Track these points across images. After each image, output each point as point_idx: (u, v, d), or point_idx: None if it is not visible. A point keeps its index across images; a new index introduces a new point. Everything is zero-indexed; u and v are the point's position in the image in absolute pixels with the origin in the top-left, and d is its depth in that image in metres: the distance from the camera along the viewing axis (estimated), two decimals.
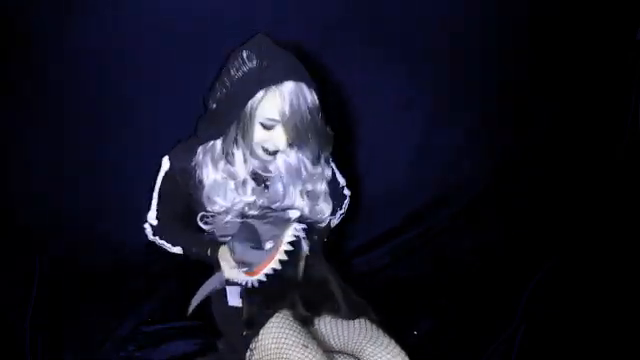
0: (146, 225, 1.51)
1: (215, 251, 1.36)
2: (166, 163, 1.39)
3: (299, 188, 1.35)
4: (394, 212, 2.33)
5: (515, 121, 2.41)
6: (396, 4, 2.10)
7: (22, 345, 1.71)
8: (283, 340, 1.23)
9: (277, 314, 1.30)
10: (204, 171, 1.31)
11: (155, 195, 1.46)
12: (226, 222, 1.34)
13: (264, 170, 1.34)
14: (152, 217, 1.49)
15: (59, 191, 2.14)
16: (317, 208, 1.39)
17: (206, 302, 1.50)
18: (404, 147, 2.31)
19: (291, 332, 1.25)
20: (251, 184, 1.32)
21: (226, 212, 1.32)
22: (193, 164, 1.33)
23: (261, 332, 1.28)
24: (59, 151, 2.11)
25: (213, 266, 1.43)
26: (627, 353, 1.74)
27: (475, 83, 2.29)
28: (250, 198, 1.32)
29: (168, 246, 1.48)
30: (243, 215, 1.33)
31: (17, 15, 1.92)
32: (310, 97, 1.17)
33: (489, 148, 2.41)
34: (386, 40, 2.14)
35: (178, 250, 1.47)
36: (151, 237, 1.51)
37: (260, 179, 1.36)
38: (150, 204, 1.49)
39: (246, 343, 1.29)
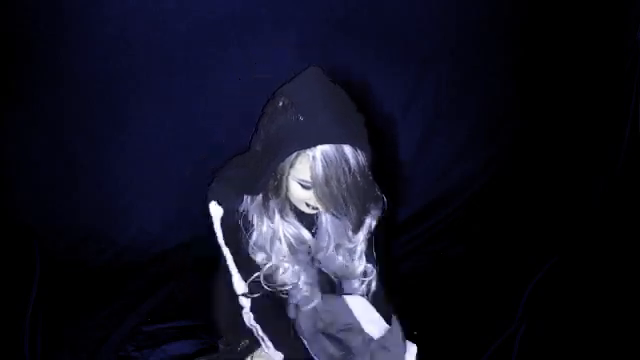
0: (242, 301, 1.26)
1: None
2: (217, 209, 1.16)
3: (336, 245, 1.23)
4: (394, 212, 2.33)
5: (515, 121, 2.41)
6: (396, 4, 2.10)
7: (22, 345, 1.71)
8: None
9: None
10: (254, 217, 1.16)
11: (225, 251, 1.22)
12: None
13: (297, 241, 1.19)
14: (239, 282, 1.25)
15: (59, 191, 2.15)
16: (352, 265, 1.26)
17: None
18: (404, 147, 2.31)
19: None
20: (285, 247, 1.18)
21: (268, 266, 1.20)
22: (242, 209, 1.16)
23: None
24: (59, 151, 2.11)
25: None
26: (627, 353, 1.74)
27: (475, 83, 2.29)
28: (284, 264, 1.19)
29: (267, 344, 1.27)
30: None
31: (17, 16, 1.92)
32: (353, 160, 0.98)
33: (489, 148, 2.41)
34: (386, 40, 2.14)
35: (277, 356, 1.27)
36: (252, 323, 1.27)
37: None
38: (227, 271, 1.25)
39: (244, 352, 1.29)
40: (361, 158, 0.99)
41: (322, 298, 1.26)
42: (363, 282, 1.29)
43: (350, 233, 1.19)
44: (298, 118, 0.96)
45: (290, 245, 1.18)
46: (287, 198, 1.09)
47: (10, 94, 2.02)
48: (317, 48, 2.02)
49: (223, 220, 1.17)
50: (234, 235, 1.18)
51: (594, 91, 2.40)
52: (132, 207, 2.19)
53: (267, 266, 1.18)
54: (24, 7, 1.90)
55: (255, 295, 1.23)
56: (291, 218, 1.15)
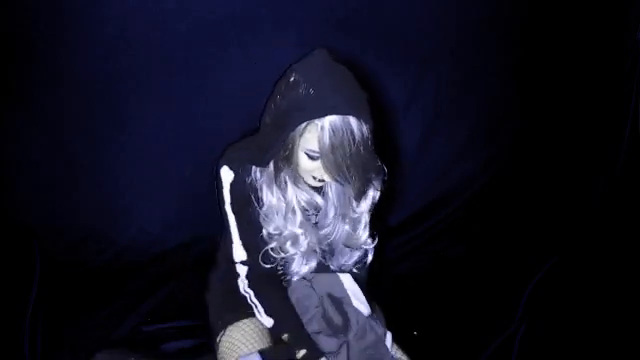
0: (238, 268, 1.27)
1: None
2: (229, 173, 1.20)
3: (342, 214, 1.27)
4: (394, 212, 2.33)
5: (515, 121, 2.41)
6: (396, 4, 2.10)
7: (22, 345, 1.71)
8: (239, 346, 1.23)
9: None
10: (262, 190, 1.21)
11: (230, 216, 1.24)
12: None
13: (311, 205, 1.25)
14: (238, 249, 1.26)
15: (59, 191, 2.15)
16: (356, 234, 1.30)
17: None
18: (404, 147, 2.31)
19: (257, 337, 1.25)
20: (300, 215, 1.22)
21: (278, 237, 1.23)
22: (250, 180, 1.21)
23: (230, 328, 1.29)
24: (59, 151, 2.11)
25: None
26: (627, 353, 1.74)
27: (475, 83, 2.29)
28: (297, 230, 1.22)
29: (259, 310, 1.26)
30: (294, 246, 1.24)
31: (17, 16, 1.92)
32: (358, 131, 1.05)
33: (489, 148, 2.41)
34: (386, 40, 2.14)
35: (267, 322, 1.26)
36: (246, 289, 1.28)
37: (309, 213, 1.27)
38: (227, 237, 1.27)
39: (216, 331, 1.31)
40: (365, 130, 1.07)
41: (314, 275, 1.29)
42: (362, 253, 1.35)
43: (354, 203, 1.25)
44: (309, 91, 1.05)
45: (304, 211, 1.23)
46: (296, 169, 1.16)
47: (10, 94, 2.02)
48: (316, 48, 2.02)
49: (232, 185, 1.21)
50: (241, 202, 1.22)
51: (594, 91, 2.40)
52: (132, 207, 2.19)
53: (280, 235, 1.22)
54: (24, 7, 1.91)
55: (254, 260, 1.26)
56: (303, 185, 1.20)
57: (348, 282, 1.29)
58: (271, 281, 1.29)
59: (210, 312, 1.42)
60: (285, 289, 1.30)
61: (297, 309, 1.25)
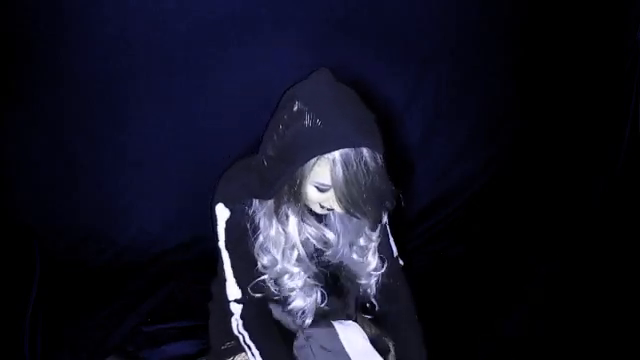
0: (232, 307, 1.21)
1: None
2: (224, 211, 1.14)
3: (350, 242, 1.22)
4: (394, 212, 2.33)
5: (515, 121, 2.41)
6: (396, 4, 2.10)
7: (22, 345, 1.71)
8: None
9: None
10: (261, 219, 1.14)
11: (224, 254, 1.19)
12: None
13: (320, 240, 1.18)
14: (232, 288, 1.20)
15: (59, 191, 2.15)
16: (365, 260, 1.24)
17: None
18: (404, 147, 2.31)
19: None
20: (297, 252, 1.16)
21: (273, 270, 1.18)
22: (250, 211, 1.15)
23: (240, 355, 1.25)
24: (59, 151, 2.11)
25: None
26: (627, 352, 1.74)
27: (475, 83, 2.29)
28: (293, 268, 1.17)
29: (254, 352, 1.21)
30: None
31: (17, 16, 1.92)
32: (372, 161, 0.98)
33: (489, 148, 2.41)
34: (386, 40, 2.14)
35: None
36: (240, 330, 1.22)
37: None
38: (222, 275, 1.21)
39: (220, 355, 1.27)
40: (378, 159, 1.01)
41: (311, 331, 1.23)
42: (372, 277, 1.28)
43: (368, 231, 1.20)
44: (316, 123, 0.97)
45: (306, 247, 1.17)
46: (303, 201, 1.09)
47: (10, 94, 2.02)
48: (317, 48, 2.02)
49: (228, 223, 1.15)
50: (236, 239, 1.17)
51: (594, 91, 2.40)
52: (132, 207, 2.19)
53: (274, 268, 1.17)
54: (24, 7, 1.91)
55: (250, 298, 1.21)
56: (311, 219, 1.15)
57: (344, 333, 1.22)
58: (265, 323, 1.24)
59: (211, 325, 1.39)
60: (278, 333, 1.25)
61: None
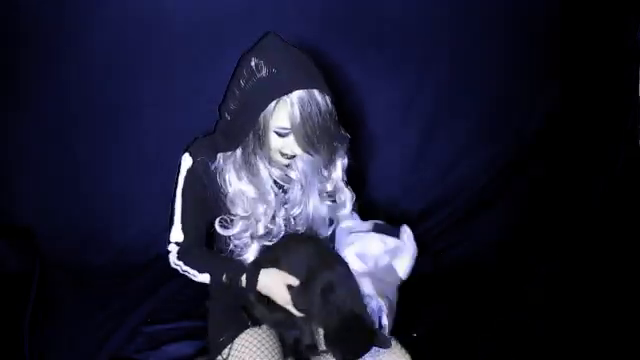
0: (170, 247, 1.32)
1: (255, 276, 1.23)
2: (188, 160, 1.28)
3: (317, 191, 1.32)
4: (394, 212, 2.33)
5: (515, 121, 2.41)
6: (396, 4, 2.10)
7: (22, 345, 1.71)
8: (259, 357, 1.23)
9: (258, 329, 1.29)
10: (227, 176, 1.26)
11: (178, 200, 1.30)
12: (244, 237, 1.29)
13: (284, 180, 1.30)
14: (177, 231, 1.32)
15: (59, 191, 2.15)
16: (339, 200, 1.38)
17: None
18: (404, 147, 2.31)
19: (267, 351, 1.24)
20: (272, 194, 1.28)
21: (247, 218, 1.28)
22: (214, 167, 1.26)
23: (236, 342, 1.27)
24: (59, 151, 2.11)
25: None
26: (627, 352, 1.74)
27: (475, 83, 2.29)
28: (271, 209, 1.28)
29: (193, 273, 1.31)
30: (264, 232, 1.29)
31: (18, 16, 1.92)
32: (323, 103, 1.13)
33: (489, 148, 2.41)
34: (386, 40, 2.14)
35: (205, 278, 1.30)
36: (175, 261, 1.33)
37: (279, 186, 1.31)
38: (171, 218, 1.32)
39: (218, 348, 1.30)
40: (328, 101, 1.15)
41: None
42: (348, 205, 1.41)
43: (325, 172, 1.32)
44: (272, 71, 1.11)
45: (275, 190, 1.28)
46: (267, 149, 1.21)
47: (10, 94, 2.02)
48: (316, 48, 2.01)
49: (189, 172, 1.28)
50: (193, 190, 1.28)
51: (594, 91, 2.40)
52: (132, 207, 2.19)
53: (250, 216, 1.27)
54: (25, 7, 1.91)
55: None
56: (275, 162, 1.26)
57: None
58: (200, 251, 1.34)
59: (210, 323, 1.41)
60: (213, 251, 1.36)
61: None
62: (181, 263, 1.32)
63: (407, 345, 1.32)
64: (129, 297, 1.98)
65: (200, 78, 2.06)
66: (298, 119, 1.12)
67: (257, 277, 1.23)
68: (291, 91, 1.11)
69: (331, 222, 1.39)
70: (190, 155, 1.28)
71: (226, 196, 1.27)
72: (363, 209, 2.28)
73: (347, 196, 1.39)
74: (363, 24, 2.09)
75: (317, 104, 1.12)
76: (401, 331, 1.33)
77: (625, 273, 2.08)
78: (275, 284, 1.22)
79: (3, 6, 1.90)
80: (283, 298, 1.21)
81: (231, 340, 1.29)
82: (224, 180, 1.26)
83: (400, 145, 2.30)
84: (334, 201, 1.38)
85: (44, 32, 1.94)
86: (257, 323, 1.29)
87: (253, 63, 1.14)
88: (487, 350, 1.79)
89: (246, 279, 1.24)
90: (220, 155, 1.26)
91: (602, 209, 2.40)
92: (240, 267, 1.27)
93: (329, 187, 1.34)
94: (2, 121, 2.06)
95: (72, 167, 2.13)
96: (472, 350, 1.80)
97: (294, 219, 1.33)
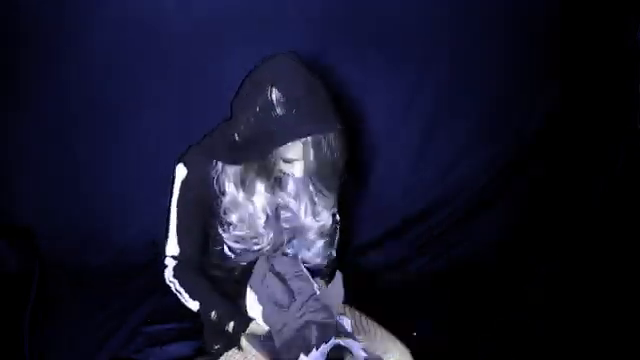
0: (167, 260, 1.31)
1: (241, 327, 1.22)
2: (182, 170, 1.26)
3: (307, 202, 1.31)
4: (394, 213, 2.33)
5: (515, 121, 2.41)
6: (396, 4, 2.09)
7: (22, 345, 1.71)
8: None
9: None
10: (225, 183, 1.24)
11: (173, 211, 1.29)
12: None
13: (283, 207, 1.29)
14: (173, 244, 1.30)
15: (59, 191, 2.15)
16: (319, 218, 1.33)
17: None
18: (404, 147, 2.31)
19: None
20: (264, 217, 1.27)
21: (242, 225, 1.27)
22: (211, 173, 1.25)
23: (229, 353, 1.28)
24: (59, 151, 2.11)
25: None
26: (627, 352, 1.74)
27: (475, 83, 2.29)
28: (261, 230, 1.27)
29: (185, 297, 1.29)
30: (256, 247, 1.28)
31: (18, 16, 1.92)
32: (335, 142, 1.13)
33: (489, 148, 2.41)
34: (386, 40, 2.14)
35: (194, 306, 1.28)
36: (170, 278, 1.30)
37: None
38: (167, 231, 1.30)
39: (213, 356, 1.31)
40: (342, 139, 1.14)
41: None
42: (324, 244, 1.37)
43: (319, 198, 1.30)
44: (292, 111, 1.08)
45: (267, 212, 1.27)
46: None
47: (10, 94, 2.02)
48: (316, 48, 2.02)
49: (183, 183, 1.26)
50: (187, 200, 1.27)
51: (594, 91, 2.40)
52: (132, 207, 2.19)
53: (244, 224, 1.26)
54: (25, 7, 1.90)
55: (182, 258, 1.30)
56: (276, 189, 1.26)
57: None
58: (196, 273, 1.32)
59: (205, 329, 1.42)
60: (208, 281, 1.32)
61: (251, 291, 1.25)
62: (176, 282, 1.30)
63: (407, 345, 1.31)
64: (129, 297, 1.98)
65: (200, 78, 2.06)
66: (311, 158, 1.12)
67: (243, 331, 1.21)
68: (309, 135, 1.10)
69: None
70: (184, 165, 1.26)
71: (222, 202, 1.25)
72: (364, 209, 2.28)
73: (325, 217, 1.34)
74: (363, 24, 2.09)
75: (330, 144, 1.12)
76: (401, 331, 1.33)
77: (625, 273, 2.08)
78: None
79: (3, 6, 1.90)
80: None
81: (225, 350, 1.29)
82: (221, 187, 1.24)
83: (400, 145, 2.30)
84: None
85: (44, 32, 1.94)
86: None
87: (274, 96, 1.09)
88: (487, 350, 1.79)
89: (233, 329, 1.22)
90: (221, 163, 1.24)
91: (602, 209, 2.40)
92: (230, 312, 1.24)
93: (315, 201, 1.31)
94: (2, 121, 2.06)
95: (72, 167, 2.13)
96: (472, 350, 1.80)
97: (286, 230, 1.32)
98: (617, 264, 2.14)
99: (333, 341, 1.12)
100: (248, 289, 1.26)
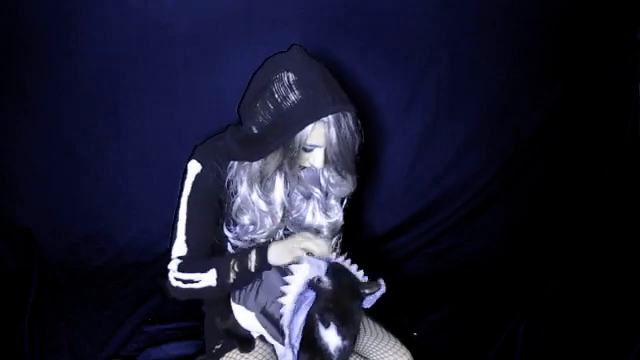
0: (170, 264, 1.24)
1: (264, 250, 1.18)
2: (196, 165, 1.21)
3: (317, 202, 1.29)
4: (394, 213, 2.34)
5: (515, 121, 2.41)
6: (396, 4, 2.10)
7: (22, 345, 1.71)
8: None
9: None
10: (238, 185, 1.21)
11: (183, 207, 1.24)
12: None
13: (305, 195, 1.28)
14: (180, 243, 1.25)
15: (59, 191, 2.15)
16: (330, 213, 1.32)
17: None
18: (404, 147, 2.31)
19: None
20: (280, 212, 1.25)
21: (253, 227, 1.25)
22: (225, 173, 1.22)
23: (229, 354, 1.28)
24: (59, 151, 2.11)
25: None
26: (627, 352, 1.74)
27: (475, 83, 2.29)
28: (275, 223, 1.25)
29: (198, 280, 1.21)
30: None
31: (18, 16, 1.92)
32: (353, 124, 1.14)
33: (489, 148, 2.41)
34: (386, 40, 2.14)
35: (210, 277, 1.20)
36: (176, 276, 1.23)
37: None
38: (173, 229, 1.26)
39: (213, 356, 1.30)
40: (357, 120, 1.16)
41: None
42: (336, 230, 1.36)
43: (337, 178, 1.28)
44: (309, 92, 1.10)
45: (286, 206, 1.26)
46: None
47: (10, 94, 2.02)
48: (317, 48, 2.01)
49: (197, 177, 1.22)
50: (199, 197, 1.23)
51: (594, 91, 2.40)
52: (132, 207, 2.19)
53: (256, 226, 1.24)
54: (25, 7, 1.91)
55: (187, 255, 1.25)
56: (297, 180, 1.24)
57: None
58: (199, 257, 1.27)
59: (206, 329, 1.41)
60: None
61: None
62: (182, 275, 1.23)
63: (407, 344, 1.31)
64: (129, 297, 1.98)
65: (200, 78, 2.06)
66: (334, 139, 1.13)
67: (267, 251, 1.18)
68: (329, 114, 1.10)
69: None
70: (198, 161, 1.22)
71: (233, 203, 1.23)
72: (364, 210, 2.28)
73: (340, 220, 1.34)
74: (363, 24, 2.09)
75: (348, 125, 1.13)
76: (401, 331, 1.33)
77: (626, 272, 2.08)
78: (289, 243, 1.17)
79: (3, 6, 1.90)
80: (306, 246, 1.15)
81: (227, 350, 1.28)
82: (234, 188, 1.22)
83: (400, 145, 2.30)
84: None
85: (44, 32, 1.94)
86: (245, 348, 1.27)
87: (291, 80, 1.12)
88: (487, 350, 1.79)
89: (256, 255, 1.19)
90: (233, 163, 1.22)
91: (602, 208, 2.40)
92: (245, 251, 1.21)
93: (329, 202, 1.31)
94: (2, 121, 2.06)
95: (72, 167, 2.13)
96: (472, 350, 1.80)
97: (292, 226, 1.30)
98: (617, 263, 2.14)
99: (330, 258, 1.14)
100: (233, 304, 1.24)
